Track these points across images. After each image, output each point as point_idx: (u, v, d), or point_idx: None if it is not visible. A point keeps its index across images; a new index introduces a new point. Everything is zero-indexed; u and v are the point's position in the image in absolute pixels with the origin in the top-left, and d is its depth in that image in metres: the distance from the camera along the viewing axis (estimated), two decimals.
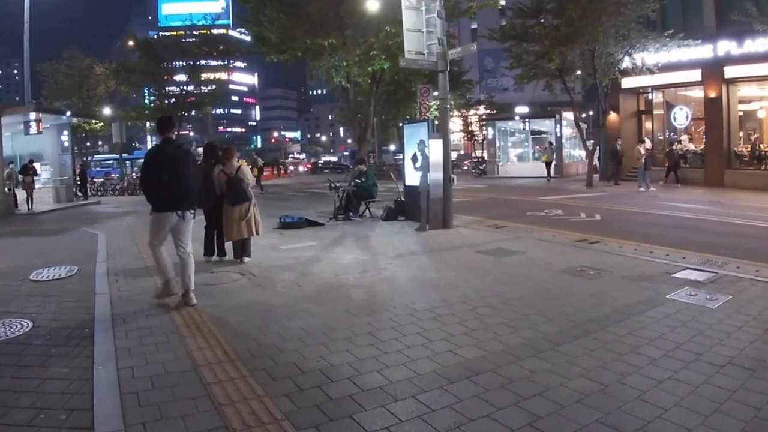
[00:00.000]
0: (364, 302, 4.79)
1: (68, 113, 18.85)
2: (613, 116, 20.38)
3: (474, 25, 43.09)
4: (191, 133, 71.27)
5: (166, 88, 28.31)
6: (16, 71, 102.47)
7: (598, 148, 20.52)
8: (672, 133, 20.05)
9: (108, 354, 3.61)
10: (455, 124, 40.51)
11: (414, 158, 9.91)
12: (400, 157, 12.51)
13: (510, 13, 21.46)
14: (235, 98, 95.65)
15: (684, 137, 19.68)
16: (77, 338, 3.96)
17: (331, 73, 17.80)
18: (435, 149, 8.92)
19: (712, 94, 17.37)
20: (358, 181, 10.89)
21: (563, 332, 3.89)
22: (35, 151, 17.19)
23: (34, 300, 5.07)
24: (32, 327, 4.23)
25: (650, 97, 20.77)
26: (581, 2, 15.64)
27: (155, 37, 40.54)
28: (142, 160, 5.16)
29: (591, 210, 11.42)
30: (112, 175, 28.34)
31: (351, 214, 10.65)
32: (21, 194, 15.64)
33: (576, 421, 2.64)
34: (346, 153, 71.32)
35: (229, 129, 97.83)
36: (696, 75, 17.69)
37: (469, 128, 43.23)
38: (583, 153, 22.34)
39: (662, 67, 16.95)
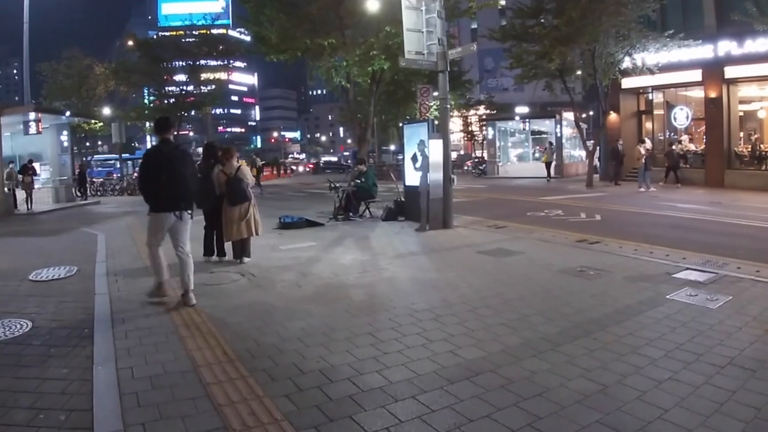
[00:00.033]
0: (364, 302, 4.79)
1: (68, 113, 18.86)
2: (613, 116, 20.38)
3: (474, 25, 43.10)
4: (191, 133, 71.31)
5: (166, 88, 28.33)
6: (15, 71, 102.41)
7: (598, 148, 20.53)
8: (672, 134, 20.05)
9: (107, 354, 3.60)
10: (455, 124, 40.55)
11: (414, 158, 9.91)
12: (400, 157, 12.52)
13: (510, 13, 21.46)
14: (234, 98, 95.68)
15: (684, 137, 19.68)
16: (77, 338, 3.96)
17: (331, 73, 17.80)
18: (435, 149, 8.91)
19: (713, 95, 17.36)
20: (358, 181, 10.89)
21: (563, 333, 3.88)
22: (35, 151, 17.18)
23: (33, 300, 5.06)
24: (31, 327, 4.22)
25: (650, 98, 20.77)
26: (581, 2, 15.63)
27: (155, 37, 40.55)
28: (140, 161, 5.17)
29: (591, 210, 11.42)
30: (114, 176, 28.34)
31: (351, 214, 10.64)
32: (20, 194, 15.63)
33: (576, 422, 2.63)
34: (346, 153, 71.31)
35: (228, 129, 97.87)
36: (696, 75, 17.70)
37: (469, 128, 43.26)
38: (583, 153, 22.34)
39: (662, 68, 16.95)
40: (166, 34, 51.50)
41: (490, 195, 16.60)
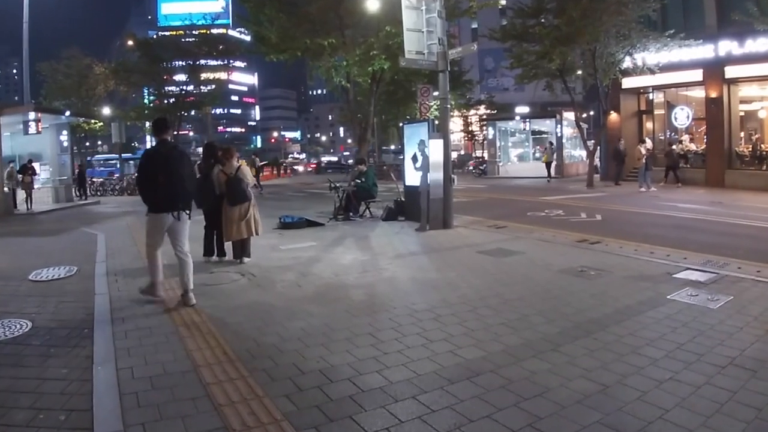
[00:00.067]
0: (364, 303, 4.78)
1: (67, 113, 18.85)
2: (613, 116, 20.37)
3: (474, 25, 43.04)
4: (191, 133, 71.29)
5: (166, 88, 28.29)
6: (15, 71, 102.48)
7: (598, 148, 20.52)
8: (673, 133, 20.03)
9: (107, 354, 3.60)
10: (455, 124, 40.51)
11: (414, 158, 9.90)
12: (401, 157, 12.52)
13: (510, 12, 21.43)
14: (234, 98, 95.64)
15: (685, 137, 19.68)
16: (76, 338, 3.96)
17: (331, 73, 17.78)
18: (435, 149, 8.91)
19: (713, 94, 17.35)
20: (358, 181, 10.88)
21: (564, 333, 3.88)
22: (34, 151, 17.16)
23: (33, 300, 5.06)
24: (31, 327, 4.22)
25: (651, 97, 20.76)
26: (582, 2, 15.62)
27: (155, 36, 40.55)
28: (138, 162, 5.22)
29: (592, 210, 11.41)
30: (116, 175, 28.35)
31: (351, 214, 10.64)
32: (20, 194, 15.63)
33: (576, 422, 2.63)
34: (346, 153, 71.32)
35: (228, 129, 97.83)
36: (697, 75, 17.68)
37: (470, 128, 43.23)
38: (584, 153, 22.33)
39: (663, 67, 16.93)
40: (166, 33, 51.45)
41: (490, 195, 16.59)
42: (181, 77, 29.46)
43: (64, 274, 6.22)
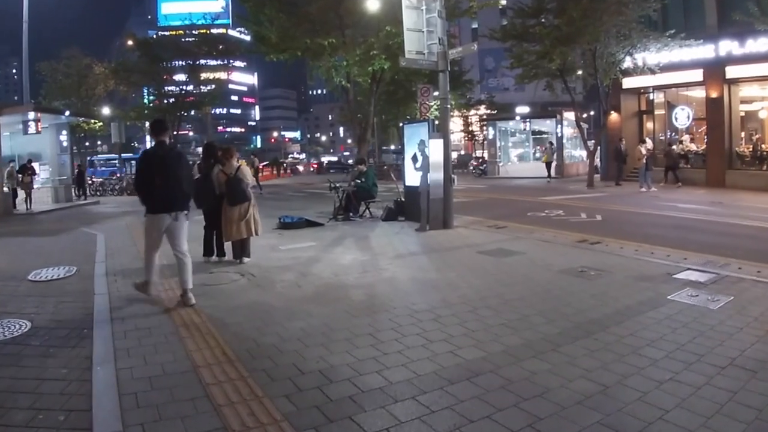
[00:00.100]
0: (364, 303, 4.78)
1: (67, 113, 18.83)
2: (614, 116, 20.36)
3: (474, 25, 43.01)
4: (191, 133, 71.37)
5: (166, 88, 28.27)
6: (14, 70, 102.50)
7: (599, 148, 20.51)
8: (673, 134, 20.03)
9: (107, 355, 3.60)
10: (456, 124, 40.50)
11: (414, 158, 9.90)
12: (401, 157, 12.57)
13: (511, 12, 21.42)
14: (234, 98, 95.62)
15: (686, 137, 19.67)
16: (76, 339, 3.95)
17: (331, 72, 17.78)
18: (435, 149, 8.90)
19: (714, 95, 17.35)
20: (358, 181, 10.87)
21: (564, 333, 3.87)
22: (34, 151, 17.14)
23: (32, 300, 5.05)
24: (31, 327, 4.21)
25: (651, 97, 20.75)
26: (582, 2, 15.61)
27: (154, 36, 40.50)
28: (136, 163, 5.26)
29: (592, 210, 11.40)
30: (118, 175, 28.36)
31: (351, 214, 10.63)
32: (20, 194, 15.62)
33: (577, 423, 2.63)
34: (346, 153, 71.31)
35: (228, 129, 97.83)
36: (697, 75, 17.67)
37: (470, 128, 43.22)
38: (584, 153, 22.31)
39: (663, 67, 16.92)
40: (166, 33, 51.48)
41: (490, 195, 16.58)
42: (180, 77, 29.45)
43: (64, 274, 6.21)
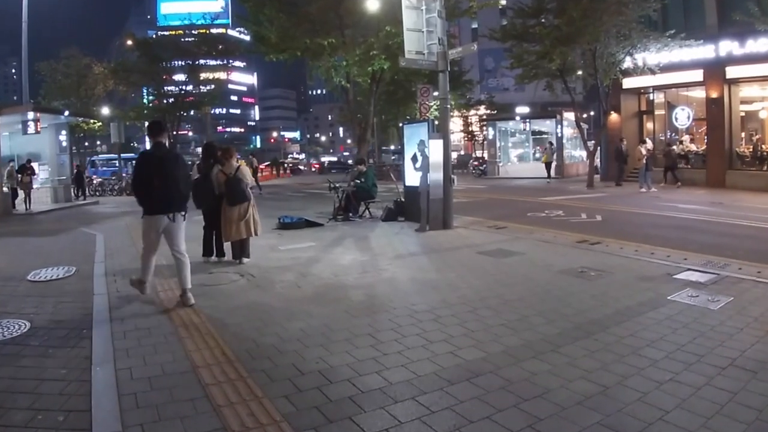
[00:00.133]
0: (364, 303, 4.77)
1: (66, 113, 18.82)
2: (614, 116, 20.36)
3: (474, 25, 43.02)
4: (190, 133, 71.34)
5: (165, 88, 28.26)
6: (14, 70, 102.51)
7: (599, 148, 20.51)
8: (673, 134, 20.03)
9: (106, 355, 3.59)
10: (455, 124, 40.48)
11: (414, 158, 9.89)
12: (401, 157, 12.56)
13: (511, 12, 21.43)
14: (234, 98, 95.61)
15: (686, 137, 19.67)
16: (75, 339, 3.95)
17: (331, 73, 17.78)
18: (435, 149, 8.90)
19: (714, 95, 17.34)
20: (358, 181, 10.87)
21: (564, 334, 3.87)
22: (33, 151, 17.14)
23: (31, 300, 5.05)
24: (30, 328, 4.21)
25: (652, 98, 20.75)
26: (582, 2, 15.61)
27: (154, 36, 40.48)
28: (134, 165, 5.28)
29: (592, 211, 11.40)
30: (122, 175, 28.31)
31: (350, 214, 10.63)
32: (19, 194, 15.60)
33: (577, 423, 2.62)
34: (346, 153, 71.34)
35: (228, 129, 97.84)
36: (698, 75, 17.67)
37: (470, 128, 43.22)
38: (584, 153, 22.29)
39: (664, 68, 16.92)
40: (166, 33, 51.46)
41: (490, 195, 16.58)
42: (180, 77, 29.45)
43: (63, 274, 6.20)
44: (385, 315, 4.38)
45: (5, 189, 14.53)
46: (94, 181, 24.75)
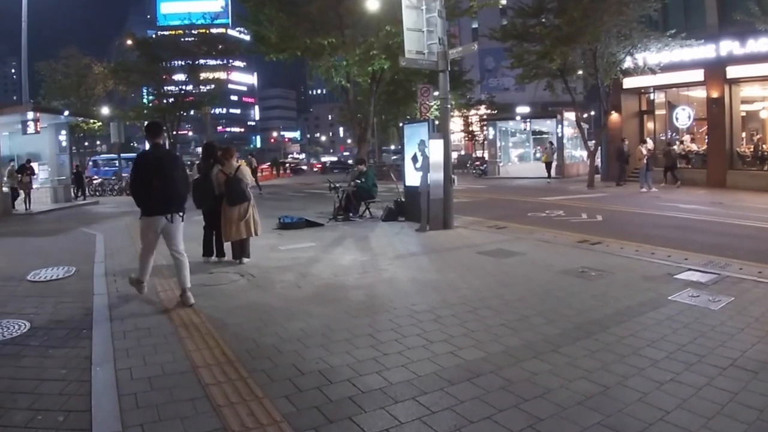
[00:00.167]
0: (364, 303, 4.77)
1: (66, 113, 18.82)
2: (614, 116, 20.35)
3: (475, 25, 43.01)
4: (190, 133, 71.31)
5: (165, 88, 28.24)
6: (13, 70, 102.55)
7: (599, 148, 20.49)
8: (674, 134, 20.02)
9: (106, 355, 3.59)
10: (456, 124, 40.48)
11: (414, 158, 9.89)
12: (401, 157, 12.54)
13: (511, 12, 21.40)
14: (234, 98, 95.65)
15: (686, 137, 19.66)
16: (75, 339, 3.94)
17: (331, 72, 17.76)
18: (435, 149, 8.89)
19: (715, 95, 17.33)
20: (358, 181, 10.86)
21: (564, 334, 3.86)
22: (33, 151, 17.14)
23: (31, 301, 5.04)
24: (30, 328, 4.20)
25: (652, 97, 20.72)
26: (583, 2, 15.61)
27: (154, 36, 40.48)
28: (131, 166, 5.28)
29: (592, 211, 11.39)
30: (123, 174, 28.31)
31: (351, 214, 10.62)
32: (19, 194, 15.60)
33: (577, 423, 2.62)
34: (346, 153, 71.39)
35: (228, 129, 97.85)
36: (698, 75, 17.66)
37: (470, 128, 43.22)
38: (584, 153, 22.27)
39: (664, 67, 16.91)
40: (165, 33, 51.44)
41: (490, 195, 16.58)
42: (180, 77, 29.42)
43: (63, 274, 6.20)
44: (386, 315, 4.38)
45: (5, 189, 14.53)
46: (95, 181, 24.74)
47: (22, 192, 15.54)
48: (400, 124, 22.59)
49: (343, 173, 35.15)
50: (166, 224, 4.77)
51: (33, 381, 3.20)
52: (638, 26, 16.25)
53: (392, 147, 51.73)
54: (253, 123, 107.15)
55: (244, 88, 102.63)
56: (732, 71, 16.80)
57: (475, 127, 42.12)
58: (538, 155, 28.00)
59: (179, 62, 28.50)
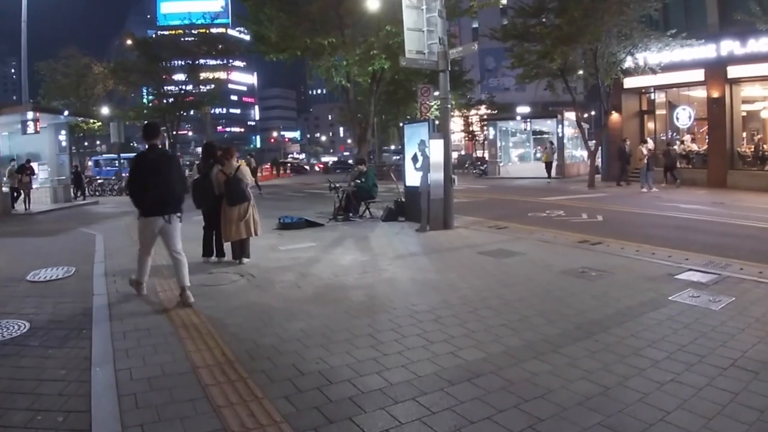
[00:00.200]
0: (364, 303, 4.77)
1: (66, 113, 18.81)
2: (615, 116, 20.34)
3: (475, 25, 42.98)
4: (190, 133, 71.31)
5: (165, 88, 28.21)
6: (13, 70, 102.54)
7: (600, 148, 20.47)
8: (674, 134, 20.01)
9: (106, 355, 3.58)
10: (456, 124, 40.46)
11: (414, 158, 9.88)
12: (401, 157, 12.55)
13: (511, 12, 21.42)
14: (234, 98, 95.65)
15: (687, 137, 19.65)
16: (75, 339, 3.94)
17: (331, 72, 17.76)
18: (435, 149, 8.88)
19: (715, 94, 17.32)
20: (358, 181, 10.86)
21: (565, 334, 3.86)
22: (33, 151, 17.12)
23: (31, 301, 5.04)
24: (29, 328, 4.20)
25: (653, 97, 20.70)
26: (583, 1, 15.61)
27: (153, 36, 40.47)
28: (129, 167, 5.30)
29: (593, 211, 11.38)
30: (122, 175, 28.31)
31: (351, 214, 10.62)
32: (20, 193, 15.60)
33: (577, 424, 2.61)
34: (346, 153, 71.43)
35: (228, 129, 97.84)
36: (699, 75, 17.64)
37: (470, 128, 43.22)
38: (585, 153, 22.26)
39: (665, 67, 16.89)
40: (165, 33, 51.42)
41: (490, 195, 16.57)
42: (180, 77, 29.39)
43: (62, 274, 6.20)
44: (386, 315, 4.37)
45: (5, 189, 14.52)
46: (96, 181, 24.74)
47: (21, 192, 15.53)
48: (401, 124, 22.59)
49: (344, 173, 35.19)
50: (163, 225, 4.77)
51: (32, 381, 3.20)
52: (639, 26, 16.24)
53: (392, 147, 51.73)
54: (253, 123, 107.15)
55: (244, 88, 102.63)
56: (733, 71, 16.78)
57: (476, 127, 42.13)
58: (538, 155, 27.96)
59: (179, 62, 28.46)
